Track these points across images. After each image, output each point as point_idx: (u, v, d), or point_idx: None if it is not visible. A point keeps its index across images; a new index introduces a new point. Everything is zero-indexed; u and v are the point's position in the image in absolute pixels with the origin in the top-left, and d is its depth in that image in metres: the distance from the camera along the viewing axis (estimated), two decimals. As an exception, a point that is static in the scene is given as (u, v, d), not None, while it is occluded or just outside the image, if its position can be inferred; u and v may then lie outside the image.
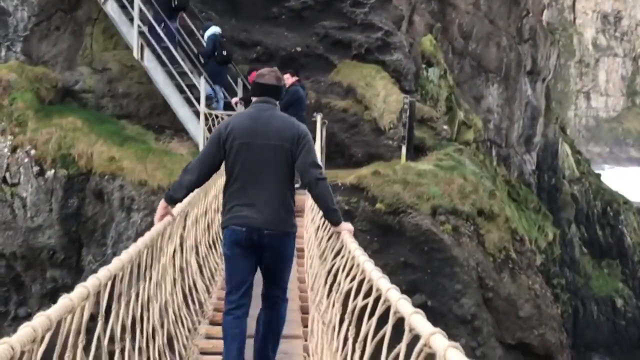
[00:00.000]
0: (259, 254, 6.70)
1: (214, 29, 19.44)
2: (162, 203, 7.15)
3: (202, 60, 19.72)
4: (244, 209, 6.60)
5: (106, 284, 5.11)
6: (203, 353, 8.19)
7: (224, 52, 19.29)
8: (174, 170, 17.64)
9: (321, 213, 7.41)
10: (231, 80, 20.30)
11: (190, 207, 9.14)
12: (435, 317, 16.52)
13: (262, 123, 6.66)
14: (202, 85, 18.92)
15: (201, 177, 6.89)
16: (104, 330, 5.26)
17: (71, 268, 18.40)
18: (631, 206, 38.98)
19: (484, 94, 29.39)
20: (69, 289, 4.60)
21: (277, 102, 6.92)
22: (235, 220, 6.63)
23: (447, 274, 17.09)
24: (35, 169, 18.58)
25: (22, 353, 3.61)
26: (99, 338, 5.13)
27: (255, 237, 6.59)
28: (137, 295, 6.23)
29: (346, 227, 7.04)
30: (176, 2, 19.85)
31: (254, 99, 6.94)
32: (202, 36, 19.87)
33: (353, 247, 6.53)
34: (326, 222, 7.81)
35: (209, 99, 19.42)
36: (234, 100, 19.23)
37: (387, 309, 4.67)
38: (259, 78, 6.92)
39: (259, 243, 6.62)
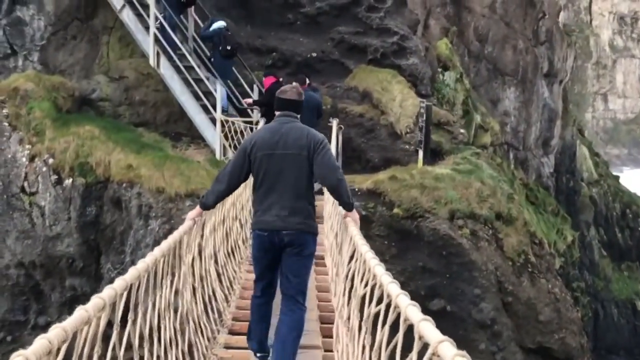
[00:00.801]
0: (279, 253, 7.45)
1: (219, 23, 19.67)
2: (197, 208, 7.98)
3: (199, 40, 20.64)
4: (265, 214, 7.40)
5: (122, 294, 5.11)
6: (222, 363, 8.18)
7: (228, 47, 19.46)
8: (191, 177, 17.65)
9: (338, 218, 8.37)
10: (240, 78, 20.36)
11: (207, 216, 9.17)
12: (454, 322, 16.46)
13: (282, 135, 7.40)
14: (219, 92, 18.95)
15: (231, 186, 7.73)
16: (120, 339, 5.25)
17: (90, 276, 18.45)
18: (650, 208, 38.77)
19: (500, 97, 29.30)
20: (88, 297, 4.61)
21: (298, 115, 7.64)
22: (259, 225, 7.46)
23: (466, 279, 17.01)
24: (54, 177, 18.64)
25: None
26: (114, 347, 5.13)
27: (276, 239, 7.37)
28: (154, 303, 6.22)
29: (353, 216, 8.14)
30: None
31: (277, 112, 7.65)
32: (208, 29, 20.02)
33: (364, 249, 6.57)
34: (342, 226, 8.34)
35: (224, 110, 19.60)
36: (246, 101, 19.26)
37: (399, 315, 4.67)
38: (281, 94, 7.63)
39: (280, 244, 7.38)
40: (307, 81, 17.65)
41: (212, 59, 19.89)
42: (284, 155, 7.32)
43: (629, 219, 36.69)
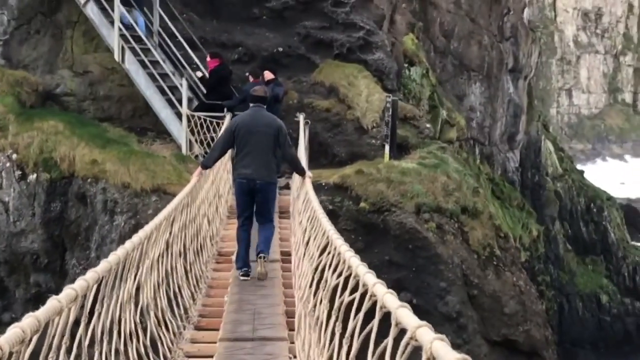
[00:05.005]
0: (254, 195, 11.19)
1: None
2: (198, 169, 11.56)
3: None
4: (244, 169, 11.14)
5: (93, 286, 5.10)
6: (189, 356, 8.25)
7: None
8: (157, 172, 17.56)
9: (308, 214, 10.03)
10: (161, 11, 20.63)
11: (176, 213, 9.31)
12: (420, 315, 16.31)
13: (256, 118, 11.21)
14: (185, 87, 18.86)
15: (222, 153, 11.73)
16: (86, 332, 5.23)
17: (55, 272, 18.31)
18: (614, 202, 39.17)
19: (466, 92, 29.45)
20: (53, 293, 4.59)
21: (265, 106, 11.43)
22: (241, 175, 11.19)
23: (432, 272, 17.09)
24: (17, 173, 18.48)
25: (11, 354, 3.59)
26: (80, 340, 5.10)
27: (252, 185, 11.12)
28: (117, 296, 6.21)
29: (308, 174, 11.86)
30: None
31: (251, 104, 11.43)
32: None
33: (339, 243, 6.62)
34: (314, 224, 8.93)
35: (129, 27, 19.54)
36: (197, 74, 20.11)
37: (374, 304, 4.66)
38: (253, 92, 11.53)
39: (254, 188, 11.14)
40: (272, 75, 18.04)
41: None
42: (258, 132, 11.03)
43: (593, 213, 37.04)
